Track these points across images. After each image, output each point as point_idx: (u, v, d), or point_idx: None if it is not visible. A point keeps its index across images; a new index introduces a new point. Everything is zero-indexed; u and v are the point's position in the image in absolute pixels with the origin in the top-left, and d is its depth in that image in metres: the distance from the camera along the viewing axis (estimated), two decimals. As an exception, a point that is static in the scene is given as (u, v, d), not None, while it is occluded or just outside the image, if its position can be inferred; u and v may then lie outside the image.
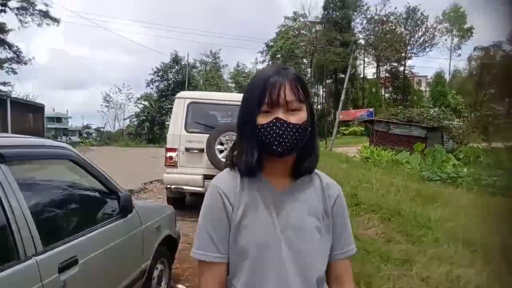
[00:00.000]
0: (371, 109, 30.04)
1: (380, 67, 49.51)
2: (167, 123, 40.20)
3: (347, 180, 7.84)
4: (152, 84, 41.63)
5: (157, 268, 3.15)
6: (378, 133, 18.37)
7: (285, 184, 1.07)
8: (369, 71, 51.49)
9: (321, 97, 48.92)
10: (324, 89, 47.18)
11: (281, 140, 0.97)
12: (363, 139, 23.18)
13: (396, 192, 7.25)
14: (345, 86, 19.50)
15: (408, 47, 46.76)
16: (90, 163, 2.47)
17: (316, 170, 1.12)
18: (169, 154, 6.00)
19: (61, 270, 1.87)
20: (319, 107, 47.29)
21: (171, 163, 5.97)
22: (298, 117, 0.99)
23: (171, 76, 41.47)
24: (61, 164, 2.38)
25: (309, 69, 47.78)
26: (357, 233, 4.80)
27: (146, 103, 41.71)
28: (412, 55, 48.06)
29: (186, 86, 34.81)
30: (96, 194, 2.64)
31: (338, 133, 36.11)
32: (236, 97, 8.17)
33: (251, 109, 1.01)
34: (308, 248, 1.02)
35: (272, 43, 47.09)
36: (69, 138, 50.39)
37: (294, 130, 0.98)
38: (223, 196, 1.03)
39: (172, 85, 40.26)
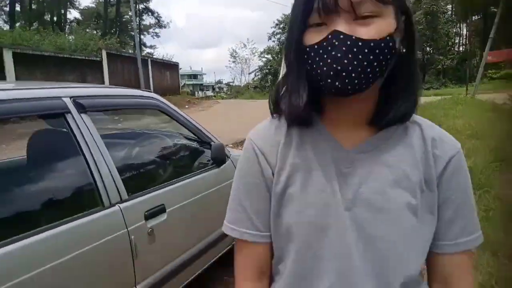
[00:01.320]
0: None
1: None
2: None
3: (490, 132, 6.49)
4: (274, 37, 41.82)
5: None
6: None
7: (360, 139, 0.69)
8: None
9: (464, 37, 41.76)
10: (467, 28, 40.01)
11: (341, 68, 0.58)
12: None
13: None
14: (496, 19, 15.88)
15: None
16: (180, 112, 2.41)
17: (416, 117, 0.71)
18: None
19: (148, 217, 1.87)
20: (461, 48, 40.64)
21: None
22: (375, 29, 0.58)
23: (293, 27, 40.78)
24: (150, 113, 2.37)
25: (450, 6, 40.83)
26: (501, 194, 3.91)
27: (269, 56, 42.34)
28: None
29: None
30: (188, 143, 2.60)
31: (485, 77, 30.63)
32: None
33: (296, 23, 0.64)
34: (391, 236, 0.65)
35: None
36: (204, 92, 55.28)
37: (366, 50, 0.58)
38: (259, 155, 0.73)
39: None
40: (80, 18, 39.18)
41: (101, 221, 1.66)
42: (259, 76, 43.74)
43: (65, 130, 1.67)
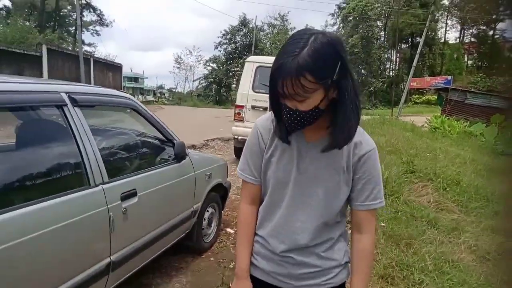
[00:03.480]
0: (449, 77, 27.60)
1: (465, 31, 44.67)
2: (233, 85, 41.01)
3: (406, 148, 7.56)
4: (220, 46, 42.38)
5: (208, 211, 3.51)
6: (452, 103, 16.99)
7: (318, 137, 1.16)
8: (451, 36, 46.73)
9: (394, 63, 45.91)
10: (397, 54, 44.13)
11: (291, 122, 1.08)
12: (437, 108, 21.58)
13: (462, 164, 6.87)
14: (419, 50, 18.00)
15: (501, 8, 41.15)
16: (150, 113, 2.80)
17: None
18: (237, 110, 7.08)
19: (123, 198, 2.23)
20: (391, 73, 44.56)
21: (238, 118, 7.02)
22: (307, 104, 1.03)
23: (239, 39, 41.74)
24: (124, 112, 2.72)
25: (383, 33, 44.77)
26: (408, 199, 4.75)
27: (214, 65, 42.71)
28: (505, 17, 42.30)
29: (252, 50, 34.86)
30: (154, 140, 2.98)
31: (409, 101, 33.95)
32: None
33: (271, 88, 1.08)
34: (320, 193, 1.17)
35: (344, 5, 44.63)
36: (145, 97, 53.77)
37: (301, 115, 1.05)
38: (259, 134, 1.24)
39: (239, 48, 40.62)
40: (10, 6, 36.24)
41: (87, 197, 1.99)
42: (204, 84, 43.83)
43: (60, 120, 2.00)
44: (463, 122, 14.19)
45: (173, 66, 49.85)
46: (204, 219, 3.46)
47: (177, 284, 2.94)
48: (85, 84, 2.60)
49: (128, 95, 2.66)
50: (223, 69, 40.68)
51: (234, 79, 40.44)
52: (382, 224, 3.99)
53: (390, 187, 5.07)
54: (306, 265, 1.21)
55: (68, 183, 1.97)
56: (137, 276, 2.65)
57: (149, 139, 3.00)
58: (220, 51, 42.79)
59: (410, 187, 5.20)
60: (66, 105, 2.01)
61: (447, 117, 15.05)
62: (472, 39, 44.67)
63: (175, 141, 2.95)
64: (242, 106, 7.02)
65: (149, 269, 2.91)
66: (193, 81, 48.65)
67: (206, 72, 43.12)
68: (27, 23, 15.13)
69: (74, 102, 2.07)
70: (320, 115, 1.08)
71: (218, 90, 41.84)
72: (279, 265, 1.23)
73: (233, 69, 38.81)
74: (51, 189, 1.84)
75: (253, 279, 1.29)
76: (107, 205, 2.09)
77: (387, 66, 46.51)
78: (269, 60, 7.58)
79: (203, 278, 3.05)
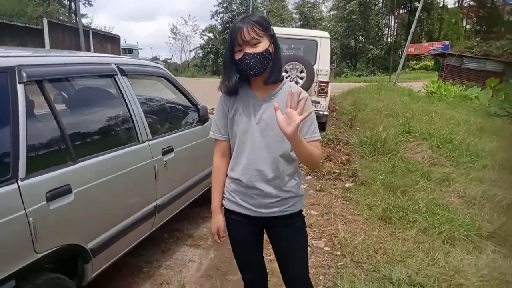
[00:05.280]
0: (447, 42, 27.41)
1: (465, -7, 43.88)
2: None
3: (403, 111, 7.96)
4: (217, 15, 41.73)
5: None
6: (449, 68, 17.20)
7: (265, 94, 1.56)
8: (450, 0, 45.84)
9: (392, 29, 45.43)
10: (395, 20, 43.59)
11: (253, 65, 1.45)
12: (435, 74, 21.77)
13: (455, 125, 7.29)
14: (417, 15, 17.93)
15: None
16: (178, 81, 3.17)
17: (290, 83, 1.64)
18: None
19: (163, 153, 2.64)
20: (389, 39, 44.19)
21: None
22: (261, 47, 1.45)
23: (235, 8, 41.02)
24: (158, 80, 3.10)
25: (381, -2, 43.94)
26: (404, 156, 5.21)
27: (211, 35, 42.21)
28: (506, -23, 41.53)
29: (249, 17, 34.30)
30: (181, 105, 3.38)
31: (407, 67, 33.91)
32: (297, 32, 8.31)
33: (229, 49, 1.49)
34: (272, 134, 1.56)
35: (341, -32, 43.49)
36: (140, 69, 53.15)
37: (259, 56, 1.44)
38: (223, 102, 1.64)
39: (236, 17, 39.93)
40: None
41: (138, 151, 2.41)
42: (200, 55, 43.47)
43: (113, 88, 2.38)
44: (459, 87, 14.51)
45: (169, 37, 49.17)
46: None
47: (205, 229, 3.41)
48: (125, 56, 2.95)
49: (160, 66, 3.01)
50: (220, 39, 40.25)
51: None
52: (381, 177, 4.46)
53: (388, 146, 5.52)
54: (271, 195, 1.56)
55: (123, 139, 2.38)
56: (171, 223, 3.10)
57: (177, 104, 3.39)
58: (216, 20, 42.17)
59: (406, 145, 5.64)
60: (117, 74, 2.38)
61: (443, 82, 15.34)
62: (471, 3, 43.98)
63: (199, 106, 3.34)
64: None
65: (180, 217, 3.37)
66: (190, 51, 48.15)
67: (203, 42, 42.68)
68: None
69: (122, 72, 2.44)
70: (270, 59, 1.47)
71: (215, 60, 41.58)
72: (251, 197, 1.58)
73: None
74: (113, 143, 2.25)
75: (232, 212, 1.65)
76: (152, 158, 2.51)
77: (385, 32, 46.00)
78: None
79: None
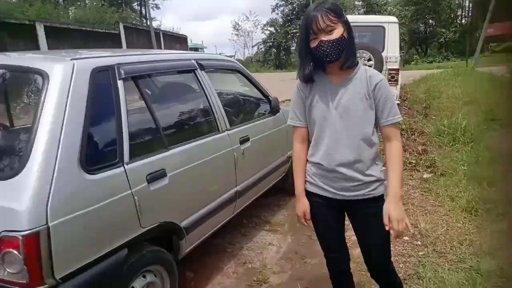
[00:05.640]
0: (535, 19, 24.46)
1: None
2: (292, 48, 40.52)
3: (485, 98, 7.33)
4: (277, 9, 41.65)
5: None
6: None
7: (341, 79, 1.58)
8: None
9: (467, 9, 41.62)
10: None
11: (330, 51, 1.49)
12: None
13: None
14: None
15: None
16: (249, 73, 3.29)
17: (365, 67, 1.62)
18: None
19: (241, 142, 2.78)
20: (463, 21, 40.61)
21: None
22: (336, 34, 1.48)
23: (295, 0, 40.59)
24: (232, 74, 3.24)
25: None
26: (488, 145, 4.83)
27: (272, 29, 42.30)
28: None
29: (311, 8, 33.72)
30: (254, 97, 3.50)
31: (487, 50, 30.94)
32: (363, 19, 8.05)
33: (304, 38, 1.53)
34: (352, 118, 1.57)
35: None
36: (205, 67, 55.10)
37: (335, 43, 1.48)
38: (299, 89, 1.69)
39: (297, 9, 39.54)
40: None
41: (219, 140, 2.56)
42: (263, 50, 43.80)
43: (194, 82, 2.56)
44: (552, 68, 12.91)
45: (232, 33, 50.24)
46: (295, 165, 3.96)
47: (280, 216, 3.52)
48: (202, 53, 3.14)
49: (234, 60, 3.16)
50: (282, 32, 40.18)
51: (293, 41, 39.81)
52: (463, 167, 4.20)
53: (469, 134, 5.15)
54: (353, 179, 1.58)
55: (206, 129, 2.54)
56: (249, 209, 3.24)
57: (249, 96, 3.53)
58: (277, 13, 42.11)
59: (491, 133, 5.21)
60: (196, 69, 2.55)
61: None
62: None
63: (270, 97, 3.43)
64: None
65: (256, 205, 3.50)
66: (252, 46, 48.81)
67: (264, 36, 42.95)
68: (103, 4, 16.52)
69: (201, 67, 2.60)
70: (345, 45, 1.49)
71: (277, 54, 41.64)
72: (333, 180, 1.62)
73: (292, 31, 38.15)
74: (197, 133, 2.44)
75: (314, 195, 1.70)
76: (232, 147, 2.66)
77: (458, 13, 42.33)
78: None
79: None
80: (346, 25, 1.52)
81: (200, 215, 2.32)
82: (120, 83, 1.86)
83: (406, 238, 2.98)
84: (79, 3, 19.87)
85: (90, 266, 1.58)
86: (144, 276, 1.93)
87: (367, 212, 1.65)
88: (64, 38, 11.41)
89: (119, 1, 26.00)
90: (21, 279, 1.40)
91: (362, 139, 1.58)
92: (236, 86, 3.57)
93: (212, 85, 2.65)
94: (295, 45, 40.55)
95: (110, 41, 13.80)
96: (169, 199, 2.03)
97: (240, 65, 3.19)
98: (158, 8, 34.48)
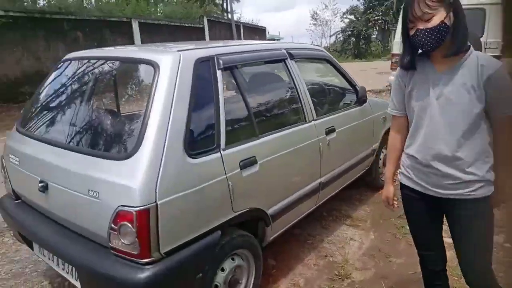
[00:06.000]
0: None
1: None
2: (373, 36, 38.56)
3: None
4: (359, -5, 39.84)
5: (382, 152, 3.83)
6: None
7: (446, 67, 1.45)
8: None
9: None
10: None
11: (426, 41, 1.38)
12: None
13: None
14: None
15: None
16: (338, 63, 3.21)
17: (478, 53, 1.43)
18: (394, 59, 7.08)
19: (327, 133, 2.74)
20: None
21: (395, 67, 6.83)
22: (433, 21, 1.35)
23: (379, -15, 38.40)
24: (320, 63, 3.20)
25: None
26: None
27: (352, 17, 40.65)
28: None
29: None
30: (340, 86, 3.42)
31: None
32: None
33: (403, 26, 1.47)
34: (454, 110, 1.43)
35: None
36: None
37: (432, 31, 1.35)
38: (398, 77, 1.61)
39: (379, -6, 37.43)
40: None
41: (306, 130, 2.55)
42: (341, 39, 42.40)
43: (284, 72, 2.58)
44: None
45: (309, 23, 49.47)
46: (380, 159, 3.80)
47: (361, 211, 3.42)
48: (291, 42, 3.15)
49: (322, 49, 3.11)
50: (362, 20, 38.41)
51: (375, 29, 37.91)
52: None
53: None
54: (450, 176, 1.46)
55: (294, 118, 2.56)
56: (329, 202, 3.20)
57: (334, 86, 3.46)
58: (358, 0, 40.30)
59: None
60: (286, 58, 2.57)
61: None
62: None
63: (357, 87, 3.31)
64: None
65: (336, 198, 3.44)
66: (330, 36, 47.53)
67: (343, 25, 41.49)
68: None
69: (291, 56, 2.61)
70: (446, 32, 1.35)
71: (356, 43, 39.99)
72: (427, 175, 1.52)
73: (373, 18, 36.30)
74: (286, 122, 2.47)
75: (407, 188, 1.63)
76: (317, 137, 2.63)
77: None
78: None
79: (383, 209, 3.44)
80: (453, 6, 1.38)
81: (286, 204, 2.35)
82: (219, 73, 1.95)
83: (507, 244, 2.70)
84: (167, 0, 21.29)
85: (188, 244, 1.70)
86: (233, 259, 2.03)
87: (465, 214, 1.51)
88: (154, 32, 12.33)
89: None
90: (133, 250, 1.56)
91: (464, 134, 1.43)
92: (321, 74, 3.53)
93: (301, 75, 2.64)
94: (376, 33, 38.58)
95: (194, 34, 14.54)
96: (258, 186, 2.10)
97: (328, 53, 3.13)
98: (238, 1, 35.38)
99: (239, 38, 17.90)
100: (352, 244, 2.89)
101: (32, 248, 2.16)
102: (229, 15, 18.38)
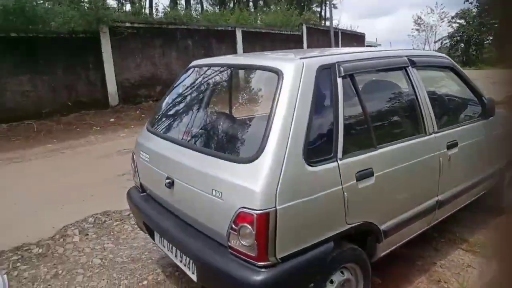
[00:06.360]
0: None
1: None
2: (486, 42, 34.48)
3: None
4: (473, -3, 36.06)
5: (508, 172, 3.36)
6: None
7: None
8: None
9: None
10: None
11: None
12: None
13: None
14: None
15: None
16: (465, 73, 2.92)
17: None
18: None
19: (448, 147, 2.49)
20: None
21: None
22: None
23: (499, -17, 34.23)
24: (444, 71, 2.95)
25: None
26: None
27: (462, 21, 36.98)
28: None
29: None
30: (462, 97, 3.10)
31: None
32: None
33: None
34: None
35: None
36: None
37: None
38: None
39: (500, -5, 33.35)
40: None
41: (425, 143, 2.35)
42: (448, 45, 38.84)
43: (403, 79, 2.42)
44: None
45: (412, 29, 46.27)
46: (505, 180, 3.34)
47: (480, 236, 3.03)
48: (409, 49, 2.98)
49: (446, 56, 2.86)
50: (474, 24, 34.68)
51: (489, 34, 33.92)
52: None
53: None
54: None
55: (413, 130, 2.38)
56: (441, 224, 2.90)
57: (456, 96, 3.15)
58: (471, 3, 36.48)
59: None
60: (408, 66, 2.41)
61: None
62: None
63: (484, 99, 2.97)
64: None
65: (451, 220, 3.11)
66: (434, 42, 43.87)
67: (451, 30, 37.95)
68: (290, 8, 17.93)
69: (413, 64, 2.44)
70: None
71: (465, 49, 36.24)
72: None
73: (490, 22, 32.47)
74: (405, 133, 2.33)
75: None
76: (438, 151, 2.41)
77: None
78: None
79: (509, 235, 3.01)
80: None
81: (400, 221, 2.20)
82: (339, 81, 1.92)
83: None
84: (265, 9, 21.91)
85: (303, 252, 1.69)
86: (342, 272, 1.96)
87: None
88: (255, 40, 12.81)
89: (302, 4, 27.43)
90: (251, 252, 1.60)
91: None
92: (437, 83, 3.25)
93: (422, 84, 2.46)
94: (490, 38, 34.47)
95: (292, 41, 14.71)
96: (373, 200, 1.99)
97: (453, 61, 2.86)
98: (335, 8, 34.84)
99: (337, 45, 17.58)
100: (470, 271, 2.58)
101: (153, 238, 2.36)
102: (327, 22, 18.13)
